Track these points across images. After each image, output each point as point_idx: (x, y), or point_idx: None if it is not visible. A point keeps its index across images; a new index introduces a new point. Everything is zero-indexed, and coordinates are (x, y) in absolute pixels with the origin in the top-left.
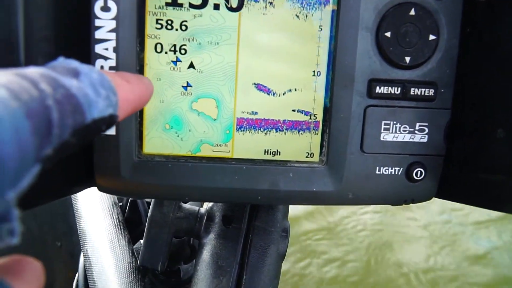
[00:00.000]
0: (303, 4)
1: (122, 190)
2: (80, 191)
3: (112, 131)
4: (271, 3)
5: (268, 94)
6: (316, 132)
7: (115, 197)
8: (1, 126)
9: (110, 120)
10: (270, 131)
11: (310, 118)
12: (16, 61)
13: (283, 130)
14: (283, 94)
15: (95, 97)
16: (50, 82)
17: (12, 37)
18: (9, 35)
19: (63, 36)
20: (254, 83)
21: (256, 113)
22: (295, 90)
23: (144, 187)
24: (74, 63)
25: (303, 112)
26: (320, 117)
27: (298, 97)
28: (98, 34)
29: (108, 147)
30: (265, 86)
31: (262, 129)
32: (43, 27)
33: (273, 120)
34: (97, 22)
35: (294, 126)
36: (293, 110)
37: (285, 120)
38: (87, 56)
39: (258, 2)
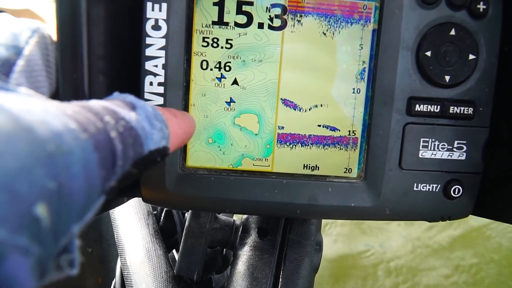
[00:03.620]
0: (344, 24)
1: (166, 202)
2: (125, 202)
3: None
4: (316, 23)
5: (296, 110)
6: (355, 148)
7: (150, 206)
8: (72, 159)
9: (163, 152)
10: (309, 146)
11: (349, 135)
12: (80, 77)
13: (322, 146)
14: (313, 109)
15: (151, 129)
16: (112, 115)
17: (77, 54)
18: (74, 52)
19: (117, 54)
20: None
21: (283, 127)
22: (334, 107)
23: (187, 199)
24: (129, 97)
25: (336, 129)
26: (359, 134)
27: (335, 114)
28: (148, 52)
29: None
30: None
31: (304, 144)
32: (100, 45)
33: (311, 135)
34: (148, 40)
35: (333, 142)
36: (326, 127)
37: (323, 135)
38: (138, 72)
39: (300, 22)
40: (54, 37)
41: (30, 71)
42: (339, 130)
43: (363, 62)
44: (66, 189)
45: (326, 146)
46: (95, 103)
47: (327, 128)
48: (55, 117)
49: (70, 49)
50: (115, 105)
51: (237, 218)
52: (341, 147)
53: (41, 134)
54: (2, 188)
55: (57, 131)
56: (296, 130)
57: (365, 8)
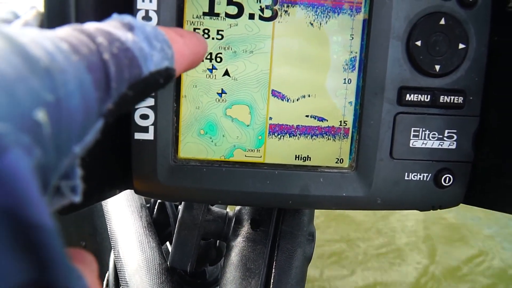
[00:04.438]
0: (335, 14)
1: (158, 193)
2: (116, 194)
3: (150, 136)
4: (303, 13)
5: (283, 100)
6: (346, 138)
7: (143, 199)
8: (66, 77)
9: (167, 73)
10: (300, 137)
11: (341, 125)
12: None
13: (310, 136)
14: (300, 99)
15: (150, 50)
16: (105, 36)
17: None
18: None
19: None
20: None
21: (271, 118)
22: (323, 97)
23: (179, 190)
24: (128, 18)
25: (324, 119)
26: (350, 124)
27: (324, 104)
28: None
29: (146, 152)
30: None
31: (293, 135)
32: None
33: (299, 126)
34: None
35: (321, 132)
36: (314, 117)
37: (311, 126)
38: None
39: (288, 12)
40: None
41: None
42: (327, 120)
43: (354, 52)
44: (64, 105)
45: (314, 137)
46: (89, 25)
47: (315, 119)
48: (46, 39)
49: None
50: (111, 26)
51: (230, 210)
52: (329, 137)
53: (34, 52)
54: (3, 91)
55: (49, 50)
56: (284, 121)
57: None
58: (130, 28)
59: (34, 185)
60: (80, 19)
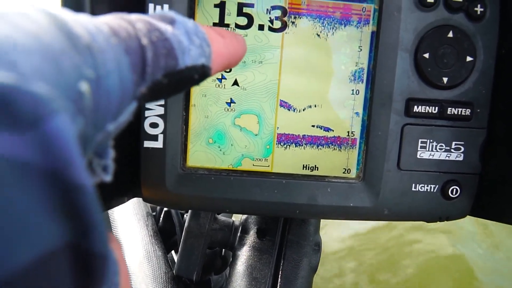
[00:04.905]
0: (343, 26)
1: (166, 201)
2: (125, 202)
3: (159, 144)
4: (311, 24)
5: (290, 110)
6: (354, 148)
7: (149, 207)
8: (105, 57)
9: (202, 70)
10: (307, 147)
11: (348, 135)
12: None
13: (316, 146)
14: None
15: (189, 44)
16: (145, 24)
17: None
18: None
19: None
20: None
21: (278, 128)
22: (330, 107)
23: (187, 199)
24: (171, 13)
25: (330, 130)
26: (357, 134)
27: (330, 114)
28: None
29: (155, 160)
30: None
31: (299, 145)
32: None
33: (305, 135)
34: None
35: (327, 142)
36: (319, 127)
37: (317, 136)
38: None
39: (296, 23)
40: None
41: None
42: (333, 131)
43: (362, 63)
44: (103, 83)
45: (320, 146)
46: (130, 15)
47: (321, 129)
48: (88, 21)
49: None
50: (152, 18)
51: (236, 219)
52: (335, 147)
53: (76, 30)
54: (49, 60)
55: (90, 30)
56: (290, 131)
57: (364, 10)
58: (171, 21)
59: (78, 149)
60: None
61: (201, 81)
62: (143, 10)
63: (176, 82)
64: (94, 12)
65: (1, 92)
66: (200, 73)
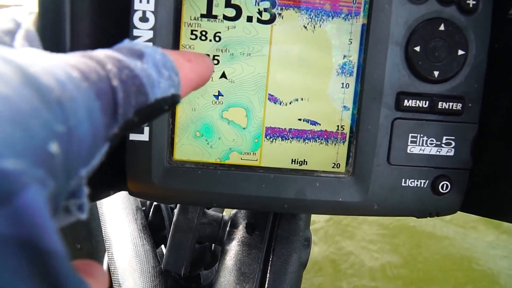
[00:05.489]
0: (333, 18)
1: (152, 195)
2: (111, 195)
3: (145, 137)
4: (300, 16)
5: (276, 103)
6: (343, 143)
7: (139, 201)
8: (76, 106)
9: (172, 100)
10: (297, 141)
11: (338, 129)
12: None
13: (306, 140)
14: (292, 103)
15: (158, 77)
16: (115, 63)
17: (60, 44)
18: (57, 43)
19: (103, 46)
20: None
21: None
22: (318, 101)
23: (174, 193)
24: (139, 45)
25: (316, 123)
26: (347, 128)
27: (318, 108)
28: None
29: (141, 153)
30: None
31: (285, 138)
32: (86, 35)
33: (291, 129)
34: (135, 32)
35: (313, 136)
36: (306, 121)
37: (303, 129)
38: None
39: (283, 15)
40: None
41: (29, 40)
42: (320, 124)
43: (352, 56)
44: (74, 133)
45: (306, 140)
46: (99, 52)
47: (308, 122)
48: (57, 67)
49: (52, 38)
50: (121, 54)
51: (226, 214)
52: (322, 141)
53: (46, 82)
54: (18, 126)
55: (60, 79)
56: (276, 124)
57: (354, 2)
58: (140, 55)
59: (48, 216)
60: (76, 22)
61: (170, 109)
62: (128, 1)
63: (146, 116)
64: (76, 4)
65: None
66: (170, 102)
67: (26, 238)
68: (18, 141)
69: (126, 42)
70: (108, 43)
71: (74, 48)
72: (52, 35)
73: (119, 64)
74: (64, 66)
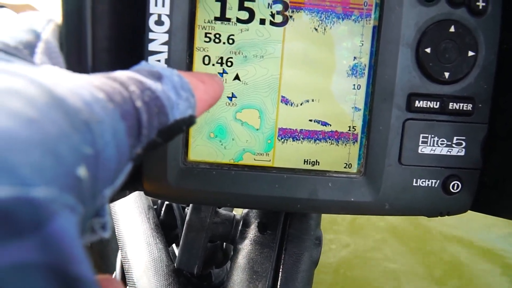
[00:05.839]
0: (345, 20)
1: (167, 195)
2: (127, 195)
3: None
4: (312, 18)
5: (287, 105)
6: (355, 143)
7: (150, 200)
8: (103, 128)
9: (189, 121)
10: (308, 141)
11: (349, 130)
12: (84, 69)
13: (319, 141)
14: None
15: (177, 99)
16: (137, 85)
17: (82, 47)
18: (80, 46)
19: (120, 48)
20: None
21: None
22: (329, 102)
23: (188, 193)
24: (156, 67)
25: (327, 124)
26: (359, 129)
27: (329, 109)
28: (151, 47)
29: (156, 154)
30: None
31: (298, 139)
32: (104, 39)
33: (302, 130)
34: (151, 35)
35: (324, 137)
36: (317, 122)
37: (314, 130)
38: None
39: (295, 17)
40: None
41: (49, 53)
42: (330, 125)
43: (364, 58)
44: (101, 155)
45: (317, 141)
46: (121, 74)
47: (318, 123)
48: (83, 88)
49: (75, 42)
50: (141, 75)
51: (237, 213)
52: (333, 141)
53: (73, 104)
54: (48, 152)
55: (87, 101)
56: (287, 125)
57: (365, 5)
58: (159, 77)
59: (78, 242)
60: (96, 27)
61: (187, 129)
62: (144, 3)
63: (167, 136)
64: (95, 7)
65: (3, 206)
66: (188, 123)
67: (56, 265)
68: (48, 168)
69: (144, 64)
70: (124, 48)
71: (94, 51)
72: (75, 39)
73: (141, 85)
74: (89, 88)
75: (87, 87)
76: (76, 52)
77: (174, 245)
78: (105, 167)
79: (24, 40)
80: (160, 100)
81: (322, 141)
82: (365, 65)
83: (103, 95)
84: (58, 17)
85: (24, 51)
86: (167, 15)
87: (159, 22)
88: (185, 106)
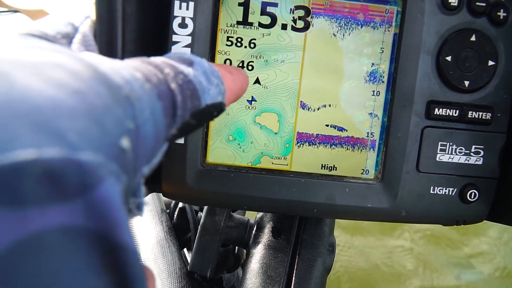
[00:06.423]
0: (362, 27)
1: (186, 197)
2: (145, 196)
3: (180, 140)
4: (333, 25)
5: (304, 109)
6: (373, 149)
7: (163, 204)
8: (142, 105)
9: (220, 107)
10: (324, 146)
11: (368, 136)
12: None
13: (334, 146)
14: (319, 109)
15: (208, 84)
16: (171, 68)
17: (112, 49)
18: (110, 48)
19: (145, 50)
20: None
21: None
22: (347, 107)
23: (206, 195)
24: (187, 54)
25: (343, 129)
26: (377, 136)
27: (346, 114)
28: (174, 49)
29: (175, 156)
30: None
31: (314, 144)
32: (132, 41)
33: (323, 135)
34: (175, 38)
35: (348, 142)
36: (333, 127)
37: (330, 135)
38: None
39: (318, 24)
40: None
41: (86, 45)
42: (346, 131)
43: (384, 65)
44: (141, 131)
45: (333, 146)
46: (155, 58)
47: (335, 128)
48: (122, 68)
49: (106, 44)
50: (174, 60)
51: (251, 217)
52: (348, 147)
53: (115, 80)
54: (94, 122)
55: (127, 79)
56: (304, 129)
57: (387, 12)
58: (190, 63)
59: (123, 210)
60: (124, 30)
61: (217, 116)
62: (168, 6)
63: (200, 120)
64: (124, 10)
65: (51, 167)
66: (218, 109)
67: (101, 231)
68: (94, 135)
69: (174, 52)
70: (149, 49)
71: (123, 52)
72: (106, 41)
73: (174, 69)
74: (127, 68)
75: (126, 68)
76: (107, 53)
77: (185, 249)
78: (144, 144)
79: (63, 31)
80: (192, 83)
81: (338, 146)
82: (385, 72)
83: (141, 75)
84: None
85: (62, 40)
86: (190, 18)
87: (182, 25)
88: (215, 92)
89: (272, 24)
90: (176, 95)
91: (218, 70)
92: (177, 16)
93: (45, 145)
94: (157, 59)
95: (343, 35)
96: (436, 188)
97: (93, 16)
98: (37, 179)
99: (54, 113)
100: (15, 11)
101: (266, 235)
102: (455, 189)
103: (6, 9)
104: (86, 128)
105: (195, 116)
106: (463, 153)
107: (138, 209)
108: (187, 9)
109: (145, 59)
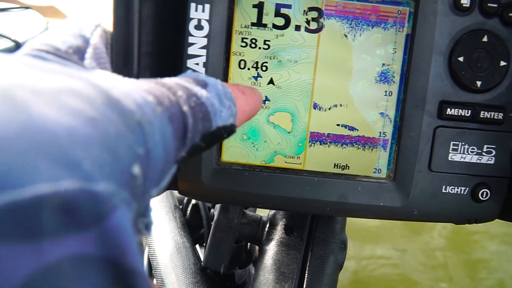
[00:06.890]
0: (373, 27)
1: (201, 194)
2: (160, 194)
3: None
4: (345, 26)
5: (316, 109)
6: (385, 149)
7: (176, 200)
8: (153, 129)
9: (230, 129)
10: (335, 146)
11: (380, 136)
12: (130, 72)
13: (345, 145)
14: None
15: (220, 106)
16: (184, 90)
17: (129, 51)
18: (127, 50)
19: (161, 52)
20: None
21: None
22: (360, 107)
23: (221, 193)
24: (202, 75)
25: (354, 129)
26: (389, 135)
27: (358, 114)
28: (190, 50)
29: None
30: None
31: (325, 143)
32: (147, 43)
33: (334, 134)
34: (191, 39)
35: (359, 142)
36: (344, 127)
37: (341, 135)
38: (179, 70)
39: (335, 25)
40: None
41: (98, 58)
42: (358, 130)
43: (396, 65)
44: (151, 156)
45: (344, 145)
46: (168, 80)
47: (346, 128)
48: (135, 92)
49: (123, 46)
50: (188, 82)
51: (264, 214)
52: (359, 146)
53: (128, 106)
54: (107, 149)
55: (139, 103)
56: (316, 129)
57: (399, 13)
58: (204, 84)
59: (133, 235)
60: (141, 32)
61: (227, 138)
62: (184, 9)
63: (209, 142)
64: (141, 13)
65: (68, 199)
66: (229, 131)
67: (113, 258)
68: (107, 164)
69: (190, 72)
70: (165, 51)
71: (139, 54)
72: (123, 43)
73: (187, 91)
74: (140, 91)
75: (138, 91)
76: (123, 55)
77: (197, 246)
78: (153, 167)
79: (74, 45)
80: (204, 106)
81: (348, 145)
82: (395, 72)
83: (153, 98)
84: (106, 23)
85: (74, 57)
86: (206, 20)
87: (198, 27)
88: (227, 114)
89: (286, 26)
90: (188, 117)
91: (232, 91)
92: (193, 18)
93: (62, 177)
94: (171, 81)
95: (354, 36)
96: (448, 187)
97: (103, 23)
98: (53, 212)
99: (70, 142)
100: (27, 8)
101: (279, 232)
102: (467, 188)
103: (17, 5)
104: (100, 156)
105: (205, 138)
106: (475, 152)
107: (147, 228)
108: (203, 11)
109: (159, 80)
